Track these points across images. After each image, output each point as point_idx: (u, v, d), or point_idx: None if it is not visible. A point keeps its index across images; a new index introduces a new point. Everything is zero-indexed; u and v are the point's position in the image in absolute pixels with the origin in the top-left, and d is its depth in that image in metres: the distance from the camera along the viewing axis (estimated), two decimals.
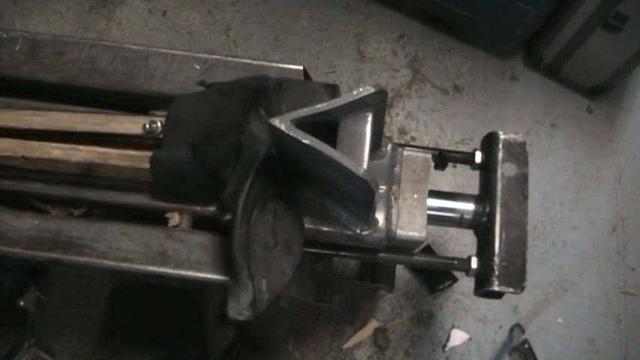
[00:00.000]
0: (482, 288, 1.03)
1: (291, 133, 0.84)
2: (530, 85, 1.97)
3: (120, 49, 1.11)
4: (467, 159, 1.13)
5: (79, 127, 1.03)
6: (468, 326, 1.71)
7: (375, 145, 1.02)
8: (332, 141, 0.92)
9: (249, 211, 0.92)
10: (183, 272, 0.98)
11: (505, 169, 1.06)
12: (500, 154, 1.07)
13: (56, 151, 1.00)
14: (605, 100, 1.96)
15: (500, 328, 1.72)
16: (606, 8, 1.61)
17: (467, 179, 1.85)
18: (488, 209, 1.05)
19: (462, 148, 1.86)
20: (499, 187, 1.05)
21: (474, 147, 1.92)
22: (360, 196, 0.91)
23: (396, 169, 1.06)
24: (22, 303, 1.40)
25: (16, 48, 1.10)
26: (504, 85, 1.97)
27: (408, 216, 1.02)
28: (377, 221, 1.00)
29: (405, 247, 1.06)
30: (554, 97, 1.95)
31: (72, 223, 1.02)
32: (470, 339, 1.70)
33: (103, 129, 1.03)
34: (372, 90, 0.90)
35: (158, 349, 1.66)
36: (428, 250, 1.73)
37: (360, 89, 0.90)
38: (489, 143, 1.10)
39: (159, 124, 1.01)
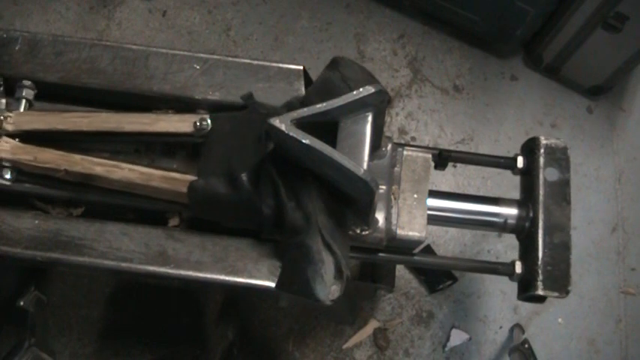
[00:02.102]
0: (527, 292, 1.03)
1: (291, 133, 0.84)
2: (530, 85, 1.97)
3: (120, 49, 1.11)
4: (508, 164, 1.13)
5: (127, 127, 1.03)
6: (468, 326, 1.71)
7: (375, 145, 1.02)
8: (332, 141, 0.92)
9: (291, 192, 0.91)
10: (183, 272, 0.99)
11: (547, 174, 1.06)
12: (542, 159, 1.07)
13: (98, 167, 1.00)
14: (605, 100, 1.95)
15: (500, 328, 1.72)
16: (606, 8, 1.61)
17: (467, 179, 1.85)
18: (531, 214, 1.05)
19: (461, 148, 1.86)
20: (542, 192, 1.05)
21: (474, 147, 1.93)
22: (360, 196, 0.91)
23: (396, 169, 1.06)
24: (22, 303, 1.40)
25: (16, 48, 1.10)
26: (504, 85, 1.97)
27: (408, 216, 1.02)
28: (377, 221, 1.00)
29: (405, 246, 1.06)
30: (554, 97, 1.95)
31: (72, 223, 1.02)
32: (470, 339, 1.70)
33: (152, 128, 1.03)
34: (372, 90, 0.90)
35: (158, 349, 1.66)
36: (428, 250, 1.73)
37: (360, 89, 0.90)
38: (531, 148, 1.10)
39: (209, 121, 1.02)
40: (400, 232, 1.01)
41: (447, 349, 1.69)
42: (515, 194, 1.81)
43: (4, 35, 1.11)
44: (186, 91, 1.08)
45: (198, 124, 1.02)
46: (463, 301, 1.74)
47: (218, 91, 1.09)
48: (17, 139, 1.04)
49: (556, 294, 1.00)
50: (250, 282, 0.98)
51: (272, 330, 1.69)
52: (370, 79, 0.97)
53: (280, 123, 0.85)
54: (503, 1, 1.73)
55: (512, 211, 1.08)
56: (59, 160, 1.01)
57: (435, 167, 1.14)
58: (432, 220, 1.08)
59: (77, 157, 1.02)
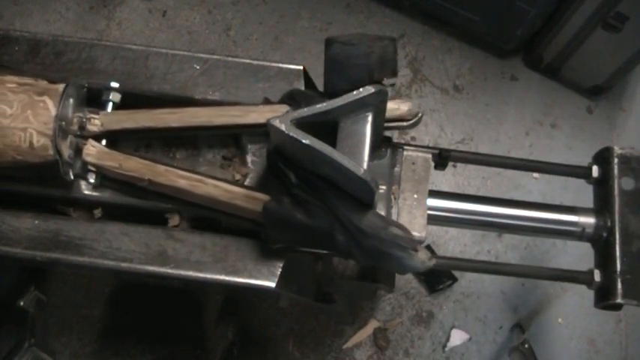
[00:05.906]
0: (605, 301, 1.04)
1: (291, 134, 0.84)
2: (530, 85, 1.97)
3: (120, 49, 1.11)
4: (582, 173, 1.14)
5: (216, 120, 1.01)
6: (468, 326, 1.71)
7: (375, 145, 1.02)
8: (332, 141, 0.92)
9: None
10: (183, 272, 0.98)
11: (623, 183, 1.07)
12: (617, 169, 1.08)
13: (182, 180, 0.99)
14: (605, 100, 1.95)
15: (500, 328, 1.72)
16: (606, 8, 1.61)
17: (467, 179, 1.85)
18: (608, 223, 1.06)
19: (461, 147, 1.86)
20: (618, 201, 1.06)
21: (474, 147, 1.92)
22: (360, 196, 0.91)
23: (396, 169, 1.06)
24: (22, 303, 1.40)
25: (16, 48, 1.10)
26: (504, 85, 1.97)
27: (408, 216, 1.03)
28: None
29: None
30: (554, 97, 1.95)
31: (72, 223, 1.02)
32: (470, 339, 1.70)
33: (243, 120, 1.01)
34: (372, 90, 0.90)
35: (158, 349, 1.66)
36: (428, 250, 1.73)
37: (360, 89, 0.90)
38: (605, 157, 1.11)
39: None
40: None
41: (447, 349, 1.69)
42: (515, 194, 1.81)
43: (4, 35, 1.11)
44: (186, 91, 1.08)
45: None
46: (463, 301, 1.74)
47: (218, 91, 1.08)
48: (104, 141, 1.03)
49: (635, 302, 1.01)
50: (250, 282, 0.98)
51: (272, 330, 1.69)
52: (355, 42, 0.91)
53: (280, 123, 0.85)
54: (503, 1, 1.73)
55: (590, 220, 1.08)
56: (143, 170, 0.99)
57: (435, 167, 1.14)
58: (513, 229, 1.11)
59: (161, 167, 1.00)
